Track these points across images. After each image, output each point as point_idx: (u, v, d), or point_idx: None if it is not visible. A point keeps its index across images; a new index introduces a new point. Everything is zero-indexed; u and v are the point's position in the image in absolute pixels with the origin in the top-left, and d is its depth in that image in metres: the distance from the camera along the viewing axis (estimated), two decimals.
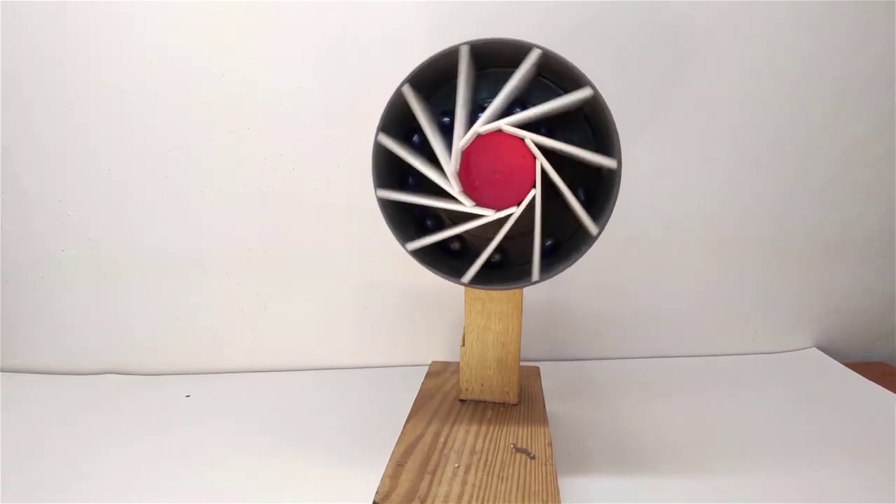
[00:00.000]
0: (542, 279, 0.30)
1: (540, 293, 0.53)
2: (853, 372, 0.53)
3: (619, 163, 0.28)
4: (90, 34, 0.44)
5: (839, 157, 0.52)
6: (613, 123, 0.28)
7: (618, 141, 0.29)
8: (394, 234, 0.31)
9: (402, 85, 0.30)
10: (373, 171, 0.31)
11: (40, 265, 0.50)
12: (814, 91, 0.50)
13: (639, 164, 0.50)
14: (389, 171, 0.32)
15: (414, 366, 0.52)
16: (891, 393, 0.49)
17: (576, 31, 0.46)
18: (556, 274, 0.30)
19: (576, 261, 0.30)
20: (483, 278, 0.31)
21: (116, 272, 0.50)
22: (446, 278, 0.31)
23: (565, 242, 0.33)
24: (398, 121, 0.32)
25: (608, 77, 0.47)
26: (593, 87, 0.28)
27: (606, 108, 0.28)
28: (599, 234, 0.29)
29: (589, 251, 0.51)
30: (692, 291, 0.55)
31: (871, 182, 0.53)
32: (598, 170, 0.31)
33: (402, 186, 0.34)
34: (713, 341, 0.56)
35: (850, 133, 0.51)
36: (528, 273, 0.29)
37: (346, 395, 0.48)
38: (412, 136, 0.33)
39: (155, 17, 0.44)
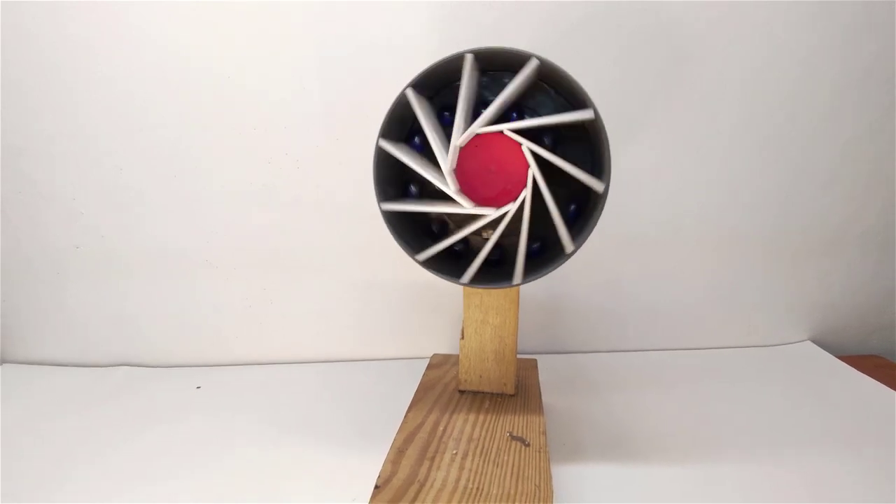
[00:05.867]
0: (524, 282, 0.31)
1: (539, 288, 0.54)
2: (846, 365, 0.54)
3: (607, 187, 0.29)
4: (101, 41, 0.45)
5: (837, 153, 0.52)
6: (608, 147, 0.29)
7: (609, 164, 0.29)
8: (401, 246, 0.32)
9: (406, 88, 0.30)
10: (374, 182, 0.32)
11: (55, 262, 0.52)
12: (811, 89, 0.50)
13: (638, 161, 0.51)
14: (391, 181, 0.33)
15: (416, 358, 0.53)
16: (883, 385, 0.50)
17: (576, 30, 0.47)
18: (537, 278, 0.31)
19: (552, 270, 0.31)
20: (483, 276, 0.32)
21: (128, 268, 0.52)
22: (448, 279, 0.32)
23: (554, 245, 0.34)
24: (400, 123, 0.33)
25: (609, 76, 0.48)
26: (595, 110, 0.29)
27: (604, 130, 0.29)
28: (574, 252, 0.30)
29: (589, 247, 0.52)
30: (690, 286, 0.56)
31: (868, 178, 0.53)
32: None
33: (405, 194, 0.35)
34: (710, 335, 0.57)
35: (847, 130, 0.52)
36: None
37: (350, 387, 0.50)
38: (414, 138, 0.34)
39: (163, 22, 0.45)
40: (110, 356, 0.54)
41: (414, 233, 0.34)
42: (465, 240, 0.35)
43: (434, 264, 0.32)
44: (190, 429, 0.43)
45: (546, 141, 0.33)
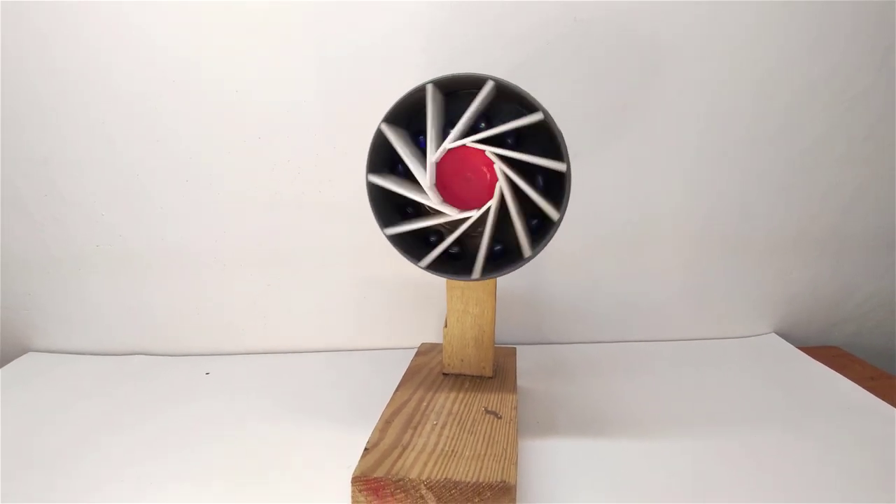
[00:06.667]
0: (482, 278, 0.35)
1: (522, 283, 0.58)
2: (806, 355, 0.57)
3: (568, 166, 0.34)
4: (121, 58, 0.49)
5: (796, 159, 0.56)
6: (561, 136, 0.34)
7: (565, 148, 0.34)
8: (405, 256, 0.36)
9: (380, 123, 0.34)
10: (373, 211, 0.36)
11: (77, 259, 0.55)
12: (772, 100, 0.54)
13: (613, 167, 0.54)
14: (388, 203, 0.37)
15: (407, 348, 0.56)
16: (836, 373, 0.53)
17: (555, 45, 0.50)
18: (496, 276, 0.35)
19: (546, 243, 0.35)
20: (440, 266, 0.36)
21: (144, 265, 0.55)
22: (410, 259, 0.36)
23: (511, 252, 0.38)
24: (385, 152, 0.36)
25: (585, 90, 0.52)
26: (544, 111, 0.33)
27: (554, 124, 0.33)
28: (561, 219, 0.34)
29: (568, 246, 0.56)
30: (661, 282, 0.59)
31: (825, 183, 0.57)
32: (560, 175, 0.37)
33: (401, 213, 0.39)
34: (681, 327, 0.61)
35: (805, 138, 0.55)
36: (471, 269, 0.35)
37: (347, 374, 0.53)
38: (397, 166, 0.38)
39: (177, 40, 0.49)
40: (127, 346, 0.58)
41: (415, 244, 0.38)
42: (440, 234, 0.39)
43: (403, 245, 0.36)
44: (200, 410, 0.46)
45: (509, 142, 0.37)
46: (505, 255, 0.39)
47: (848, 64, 0.53)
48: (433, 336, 0.58)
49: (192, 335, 0.58)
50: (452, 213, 0.35)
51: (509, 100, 0.37)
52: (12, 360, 0.57)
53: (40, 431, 0.44)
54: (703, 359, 0.57)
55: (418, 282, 0.57)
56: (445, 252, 0.37)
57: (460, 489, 0.30)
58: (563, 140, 0.34)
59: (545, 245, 0.35)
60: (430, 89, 0.33)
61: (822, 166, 0.57)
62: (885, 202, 0.59)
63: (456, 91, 0.38)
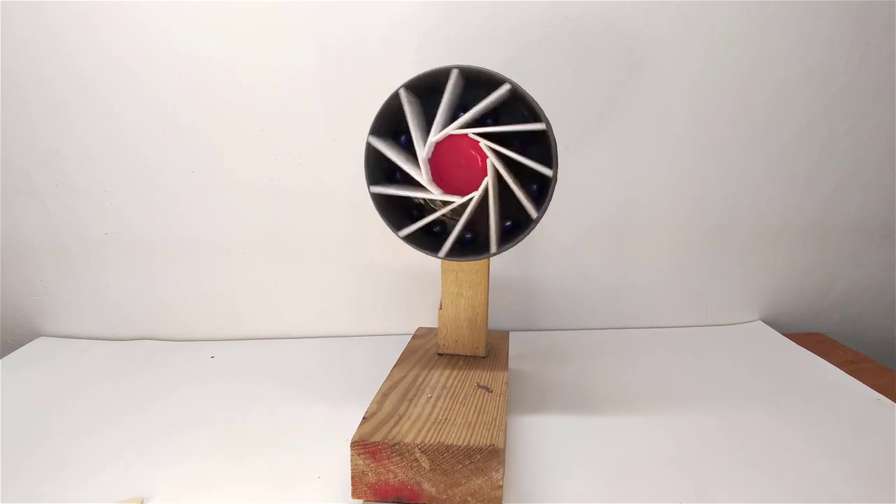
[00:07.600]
0: (499, 251, 0.37)
1: (517, 272, 0.60)
2: (791, 341, 0.59)
3: (555, 173, 0.36)
4: (131, 53, 0.51)
5: (778, 152, 0.58)
6: (555, 145, 0.36)
7: (556, 158, 0.36)
8: (386, 223, 0.38)
9: (399, 88, 0.36)
10: (365, 169, 0.37)
11: (87, 247, 0.57)
12: (754, 95, 0.56)
13: (601, 158, 0.57)
14: (380, 169, 0.39)
15: (403, 335, 0.57)
16: (818, 357, 0.55)
17: (544, 44, 0.52)
18: (509, 248, 0.37)
19: (522, 239, 0.37)
20: (457, 254, 0.38)
21: (151, 253, 0.57)
22: (428, 254, 0.38)
23: (522, 224, 0.40)
24: (390, 123, 0.38)
25: (574, 83, 0.54)
26: (547, 123, 0.35)
27: (552, 135, 0.36)
28: (539, 218, 0.36)
29: (561, 236, 0.58)
30: (651, 271, 0.61)
31: (807, 174, 0.59)
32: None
33: (390, 180, 0.41)
34: (670, 315, 0.63)
35: (787, 131, 0.57)
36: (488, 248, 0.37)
37: (346, 358, 0.55)
38: (401, 137, 0.40)
39: (185, 37, 0.51)
40: (134, 331, 0.59)
41: (398, 214, 0.40)
42: (443, 224, 0.41)
43: (413, 240, 0.38)
44: (205, 392, 0.48)
45: (515, 143, 0.39)
46: (473, 244, 0.41)
47: (829, 60, 0.55)
48: (429, 322, 0.60)
49: (197, 320, 0.60)
50: (456, 200, 0.37)
51: (514, 102, 0.39)
52: (24, 344, 0.59)
53: (50, 413, 0.45)
54: (692, 346, 0.59)
55: (414, 269, 0.59)
56: (429, 232, 0.39)
57: (452, 452, 0.32)
58: (556, 147, 0.36)
59: (514, 244, 0.37)
60: (454, 74, 0.35)
61: (803, 158, 0.59)
62: (865, 194, 0.61)
63: (467, 80, 0.39)
